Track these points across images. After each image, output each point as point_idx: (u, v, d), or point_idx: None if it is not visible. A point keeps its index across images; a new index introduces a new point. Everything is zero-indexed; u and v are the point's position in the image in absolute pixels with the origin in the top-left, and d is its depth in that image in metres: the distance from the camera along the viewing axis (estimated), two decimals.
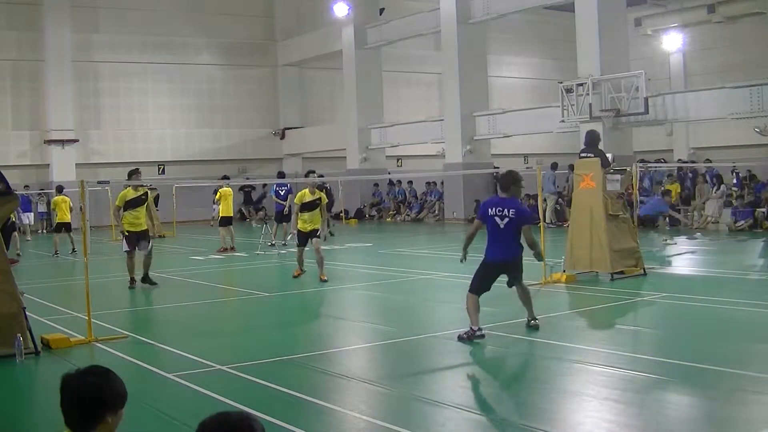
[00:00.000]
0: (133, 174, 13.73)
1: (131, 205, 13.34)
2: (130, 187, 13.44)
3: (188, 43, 34.85)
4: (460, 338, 8.21)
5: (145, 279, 13.45)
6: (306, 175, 14.75)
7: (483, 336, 8.19)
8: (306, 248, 13.99)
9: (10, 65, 31.36)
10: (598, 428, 5.50)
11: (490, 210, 8.49)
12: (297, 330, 9.91)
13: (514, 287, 8.71)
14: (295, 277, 13.86)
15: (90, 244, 11.32)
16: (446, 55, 29.14)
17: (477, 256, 8.66)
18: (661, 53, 35.72)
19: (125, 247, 13.48)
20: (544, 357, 6.78)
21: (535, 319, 8.75)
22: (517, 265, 8.55)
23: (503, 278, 8.56)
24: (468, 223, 27.83)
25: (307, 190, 13.70)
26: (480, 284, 8.46)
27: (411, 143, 32.40)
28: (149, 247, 13.46)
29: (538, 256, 9.04)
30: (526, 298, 8.75)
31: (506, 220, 8.37)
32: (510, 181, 8.67)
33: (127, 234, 13.30)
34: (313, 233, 13.67)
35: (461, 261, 8.66)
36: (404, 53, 35.88)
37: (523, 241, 8.46)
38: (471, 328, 8.25)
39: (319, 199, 13.72)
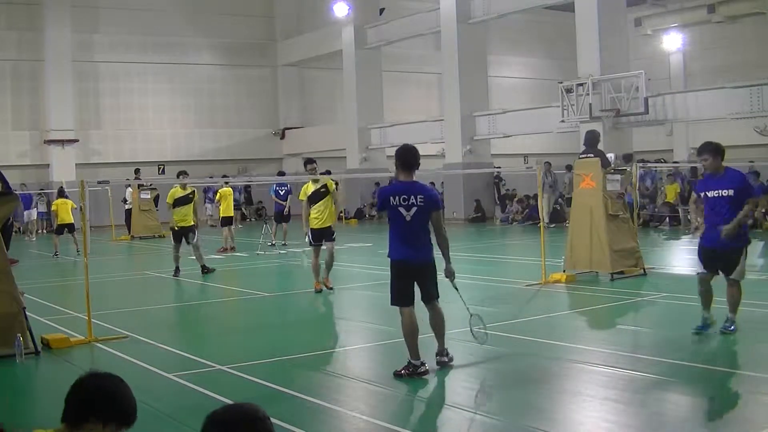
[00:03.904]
0: (181, 174, 15.43)
1: (180, 202, 14.64)
2: (179, 186, 14.76)
3: (188, 43, 34.84)
4: (397, 375, 6.69)
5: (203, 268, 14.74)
6: (305, 165, 12.38)
7: (427, 372, 6.70)
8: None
9: (10, 65, 31.36)
10: (598, 428, 5.50)
11: (392, 199, 6.86)
12: (297, 330, 9.90)
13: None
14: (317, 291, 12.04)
15: (90, 244, 11.32)
16: (446, 55, 29.13)
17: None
18: (661, 53, 35.73)
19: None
20: (544, 357, 6.78)
21: (446, 354, 7.02)
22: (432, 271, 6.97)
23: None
24: (468, 223, 27.82)
25: (310, 182, 11.96)
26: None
27: (411, 143, 32.28)
28: (195, 239, 14.72)
29: (449, 272, 7.09)
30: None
31: (414, 209, 6.84)
32: (417, 157, 7.09)
33: (176, 229, 14.63)
34: (326, 232, 11.85)
35: None
36: (404, 53, 35.87)
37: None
38: (411, 362, 6.73)
39: (326, 186, 11.88)
